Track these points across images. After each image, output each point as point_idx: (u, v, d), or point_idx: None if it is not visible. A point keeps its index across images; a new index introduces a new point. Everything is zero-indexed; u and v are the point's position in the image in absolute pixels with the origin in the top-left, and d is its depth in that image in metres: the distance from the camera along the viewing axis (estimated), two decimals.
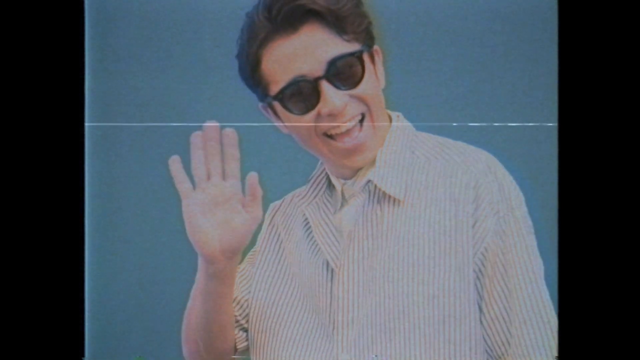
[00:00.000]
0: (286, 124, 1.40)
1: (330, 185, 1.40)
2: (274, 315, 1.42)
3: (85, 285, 2.13)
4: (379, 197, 1.32)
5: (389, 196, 1.31)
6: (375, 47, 1.40)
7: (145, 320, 2.13)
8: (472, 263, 1.27)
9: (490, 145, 2.18)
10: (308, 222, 1.41)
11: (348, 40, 1.32)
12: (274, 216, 1.53)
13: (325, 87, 1.30)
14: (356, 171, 1.36)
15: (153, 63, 2.14)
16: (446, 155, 1.39)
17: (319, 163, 1.48)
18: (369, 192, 1.33)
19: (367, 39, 1.36)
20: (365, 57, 1.34)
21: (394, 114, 1.43)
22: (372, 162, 1.34)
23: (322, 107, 1.31)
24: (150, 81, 2.14)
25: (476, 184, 1.37)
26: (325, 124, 1.31)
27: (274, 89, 1.37)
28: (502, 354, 1.28)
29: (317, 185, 1.43)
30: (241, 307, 1.53)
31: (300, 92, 1.31)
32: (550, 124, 2.14)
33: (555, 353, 1.38)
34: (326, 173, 1.42)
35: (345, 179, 1.36)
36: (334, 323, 1.30)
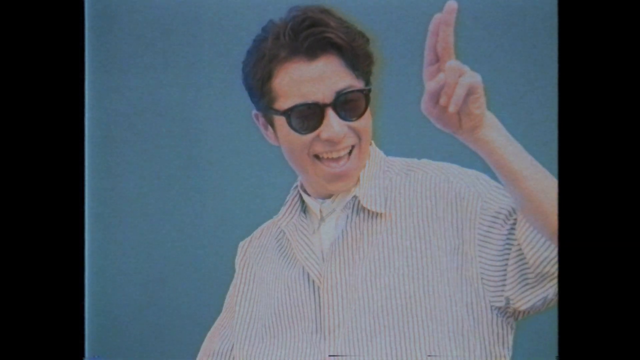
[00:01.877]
0: (279, 137, 1.48)
1: (304, 207, 1.51)
2: (259, 335, 1.54)
3: (86, 285, 2.13)
4: (359, 212, 1.45)
5: (369, 211, 1.44)
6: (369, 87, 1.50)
7: (145, 320, 2.13)
8: (450, 267, 1.42)
9: None
10: (282, 243, 1.52)
11: (357, 76, 1.44)
12: (244, 254, 1.64)
13: (331, 114, 1.40)
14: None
15: (153, 63, 2.14)
16: (414, 174, 1.51)
17: (293, 188, 1.57)
18: (351, 208, 1.45)
19: (369, 77, 1.48)
20: (369, 97, 1.45)
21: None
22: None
23: (323, 132, 1.41)
24: (150, 81, 2.14)
25: (455, 194, 1.49)
26: (320, 147, 1.42)
27: (282, 105, 1.44)
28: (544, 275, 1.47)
29: (293, 207, 1.53)
30: (223, 357, 1.64)
31: (307, 114, 1.41)
32: (550, 124, 2.14)
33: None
34: (300, 196, 1.52)
35: (323, 198, 1.47)
36: (320, 330, 1.42)
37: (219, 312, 2.14)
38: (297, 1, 2.08)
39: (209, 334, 1.69)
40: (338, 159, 1.44)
